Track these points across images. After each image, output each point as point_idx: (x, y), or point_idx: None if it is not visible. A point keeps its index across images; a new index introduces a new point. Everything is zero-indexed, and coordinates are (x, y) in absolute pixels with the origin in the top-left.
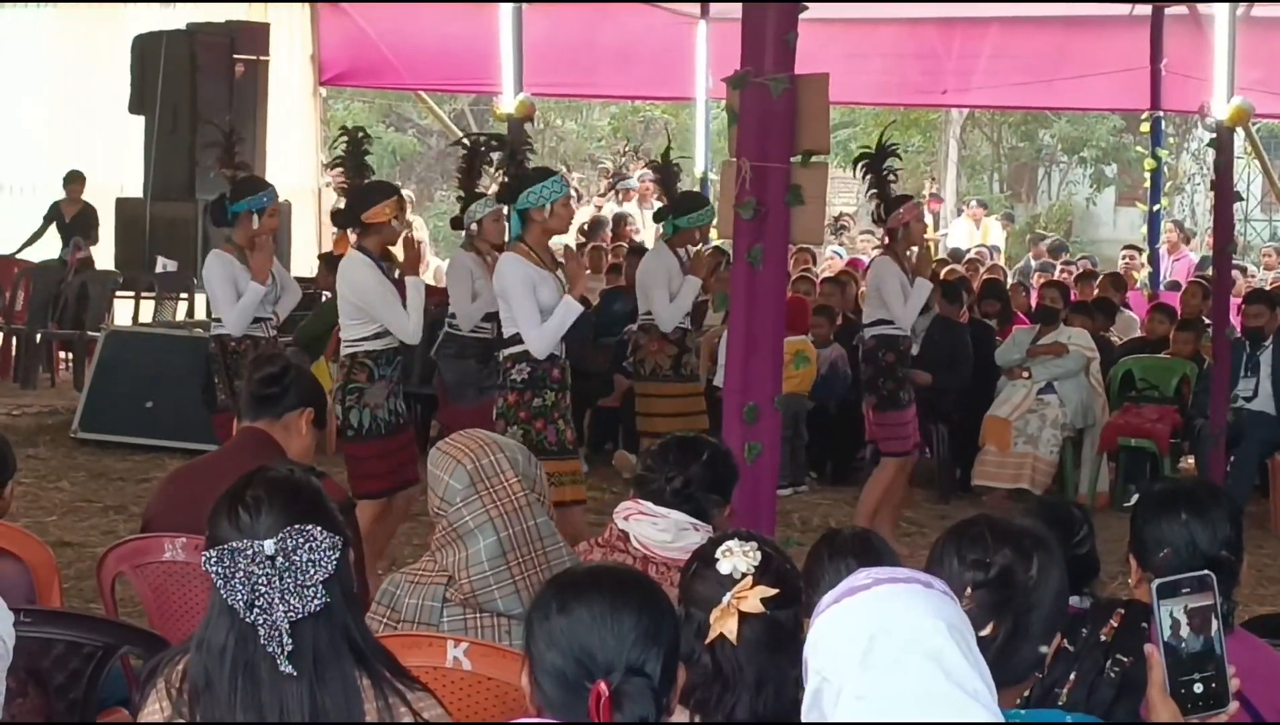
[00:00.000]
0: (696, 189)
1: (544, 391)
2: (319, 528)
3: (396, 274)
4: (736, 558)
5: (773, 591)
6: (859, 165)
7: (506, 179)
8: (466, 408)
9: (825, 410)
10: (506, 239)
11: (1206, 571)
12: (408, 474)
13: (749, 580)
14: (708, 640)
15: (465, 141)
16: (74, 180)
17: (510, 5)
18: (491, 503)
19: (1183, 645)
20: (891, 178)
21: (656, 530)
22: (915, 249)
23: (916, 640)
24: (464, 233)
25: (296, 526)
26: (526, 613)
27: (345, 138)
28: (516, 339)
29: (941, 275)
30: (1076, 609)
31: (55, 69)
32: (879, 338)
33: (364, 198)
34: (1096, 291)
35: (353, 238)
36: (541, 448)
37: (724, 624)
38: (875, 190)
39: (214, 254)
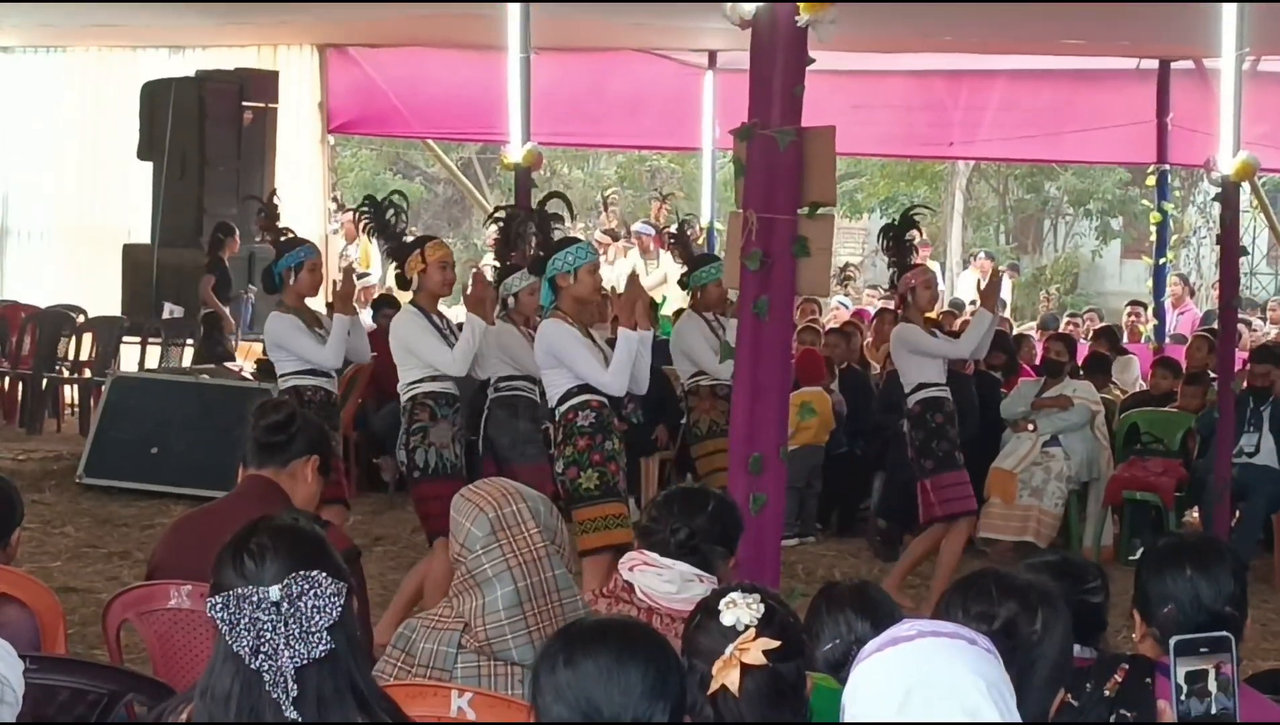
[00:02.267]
0: (704, 240)
1: (612, 436)
2: (324, 574)
3: (445, 323)
4: (740, 609)
5: (775, 644)
6: (882, 234)
7: (538, 251)
8: (527, 466)
9: (828, 460)
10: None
11: (1225, 633)
12: None
13: (752, 632)
14: (710, 692)
15: (501, 215)
16: (231, 232)
17: (518, 55)
18: (511, 552)
19: (1197, 703)
20: (911, 245)
21: (661, 581)
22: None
23: (954, 695)
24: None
25: (301, 573)
26: (533, 664)
27: (368, 207)
28: (569, 395)
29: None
30: (1082, 660)
31: (65, 116)
32: (923, 402)
33: (398, 259)
34: (1090, 347)
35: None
36: (614, 490)
37: (726, 675)
38: (894, 258)
39: (273, 316)
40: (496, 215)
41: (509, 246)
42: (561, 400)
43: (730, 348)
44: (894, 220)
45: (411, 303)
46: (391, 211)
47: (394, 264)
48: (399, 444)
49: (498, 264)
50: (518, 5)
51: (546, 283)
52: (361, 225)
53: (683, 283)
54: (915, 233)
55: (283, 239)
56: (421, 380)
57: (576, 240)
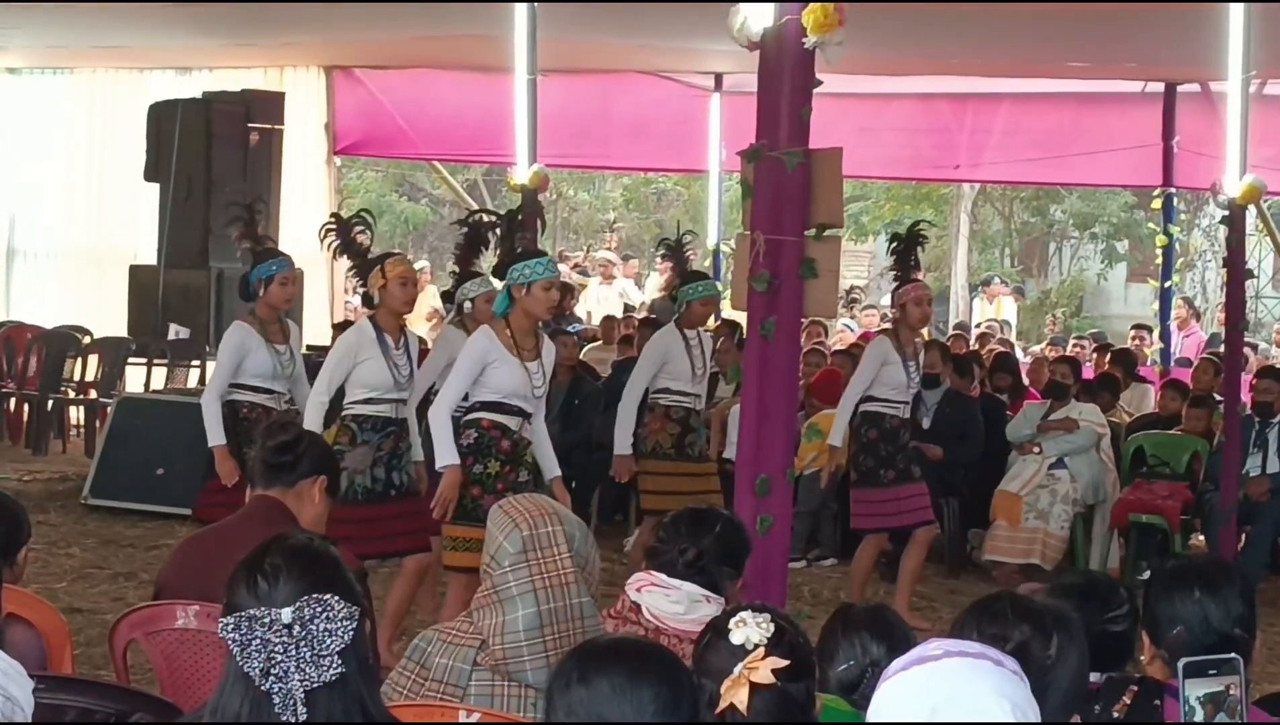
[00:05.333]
0: (709, 261)
1: (487, 459)
2: (336, 597)
3: (401, 343)
4: (749, 629)
5: (784, 663)
6: (890, 246)
7: (501, 258)
8: None
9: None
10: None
11: (1234, 655)
12: (395, 545)
13: (761, 651)
14: (718, 710)
15: (467, 220)
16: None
17: (525, 76)
18: (539, 573)
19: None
20: (915, 261)
21: (669, 602)
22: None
23: (978, 715)
24: (455, 308)
25: (314, 595)
26: (547, 682)
27: (333, 225)
28: (468, 409)
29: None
30: (1092, 684)
31: (72, 136)
32: (863, 414)
33: (362, 276)
34: (1105, 366)
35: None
36: (474, 515)
37: (735, 695)
38: (896, 272)
39: (234, 324)
40: (464, 220)
41: (471, 254)
42: (465, 409)
43: (738, 369)
44: (900, 233)
45: (370, 319)
46: (360, 228)
47: (359, 282)
48: None
49: (457, 270)
50: (524, 26)
51: (504, 291)
52: (326, 243)
53: (672, 297)
54: (920, 251)
55: (259, 249)
56: (355, 402)
57: (541, 252)
